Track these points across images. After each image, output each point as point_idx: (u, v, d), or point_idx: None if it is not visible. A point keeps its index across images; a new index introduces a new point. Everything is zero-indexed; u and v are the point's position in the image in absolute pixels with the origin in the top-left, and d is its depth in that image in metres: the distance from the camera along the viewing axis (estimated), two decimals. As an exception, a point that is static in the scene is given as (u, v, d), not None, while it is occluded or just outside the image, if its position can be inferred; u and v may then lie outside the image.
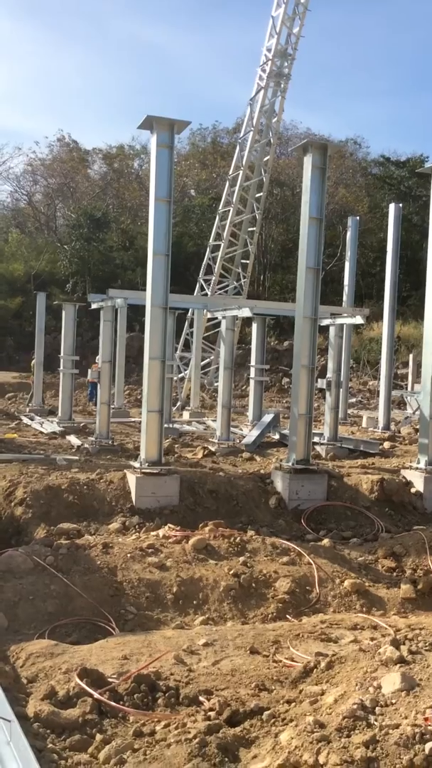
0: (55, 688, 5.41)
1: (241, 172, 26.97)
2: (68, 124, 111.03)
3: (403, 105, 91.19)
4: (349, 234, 24.08)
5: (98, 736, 4.75)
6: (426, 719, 3.98)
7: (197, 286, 28.72)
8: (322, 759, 3.86)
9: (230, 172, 28.44)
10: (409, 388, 29.69)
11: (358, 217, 26.66)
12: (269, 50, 25.95)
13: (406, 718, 4.06)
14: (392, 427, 21.12)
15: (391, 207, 21.76)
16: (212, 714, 4.92)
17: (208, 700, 5.19)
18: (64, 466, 12.91)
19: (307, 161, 12.08)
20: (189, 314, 28.28)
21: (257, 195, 27.63)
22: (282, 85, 26.45)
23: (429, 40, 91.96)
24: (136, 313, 27.95)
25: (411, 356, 31.79)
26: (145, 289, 11.78)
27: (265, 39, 26.20)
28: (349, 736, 4.00)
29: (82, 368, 22.24)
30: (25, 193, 54.43)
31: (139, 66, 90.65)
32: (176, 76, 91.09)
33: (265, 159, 27.55)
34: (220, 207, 28.72)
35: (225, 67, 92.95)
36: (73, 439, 16.34)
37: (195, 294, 27.70)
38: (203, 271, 28.56)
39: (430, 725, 3.91)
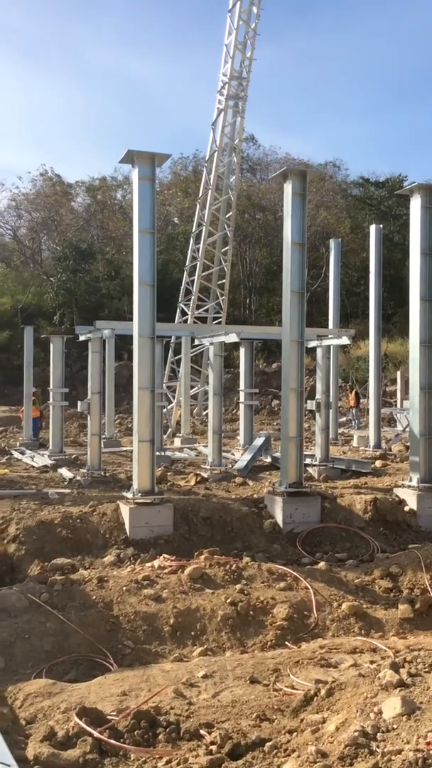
0: (54, 728, 5.34)
1: (210, 193, 27.88)
2: (51, 158, 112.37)
3: (380, 122, 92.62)
4: (332, 256, 24.38)
5: (99, 777, 4.69)
6: (428, 743, 3.96)
7: (178, 311, 29.04)
8: (325, 789, 3.83)
9: (200, 195, 29.36)
10: (399, 405, 29.83)
11: (340, 239, 27.19)
12: (225, 75, 27.60)
13: (408, 743, 4.04)
14: (383, 445, 21.18)
15: (372, 228, 22.06)
16: (214, 748, 4.87)
17: (209, 733, 5.14)
18: (57, 500, 12.83)
19: (288, 188, 12.24)
20: (173, 341, 28.49)
21: (227, 215, 28.72)
22: (240, 106, 28.10)
23: (402, 57, 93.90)
24: (124, 341, 28.02)
25: (399, 373, 31.99)
26: (132, 318, 11.84)
27: (221, 65, 27.87)
28: (351, 764, 3.98)
29: (72, 399, 22.17)
30: (10, 227, 54.89)
31: (119, 98, 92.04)
32: (156, 108, 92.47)
33: (232, 179, 28.79)
34: (194, 229, 29.48)
35: (204, 97, 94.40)
36: (65, 472, 16.26)
37: (176, 320, 28.03)
38: (182, 295, 29.14)
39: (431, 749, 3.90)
